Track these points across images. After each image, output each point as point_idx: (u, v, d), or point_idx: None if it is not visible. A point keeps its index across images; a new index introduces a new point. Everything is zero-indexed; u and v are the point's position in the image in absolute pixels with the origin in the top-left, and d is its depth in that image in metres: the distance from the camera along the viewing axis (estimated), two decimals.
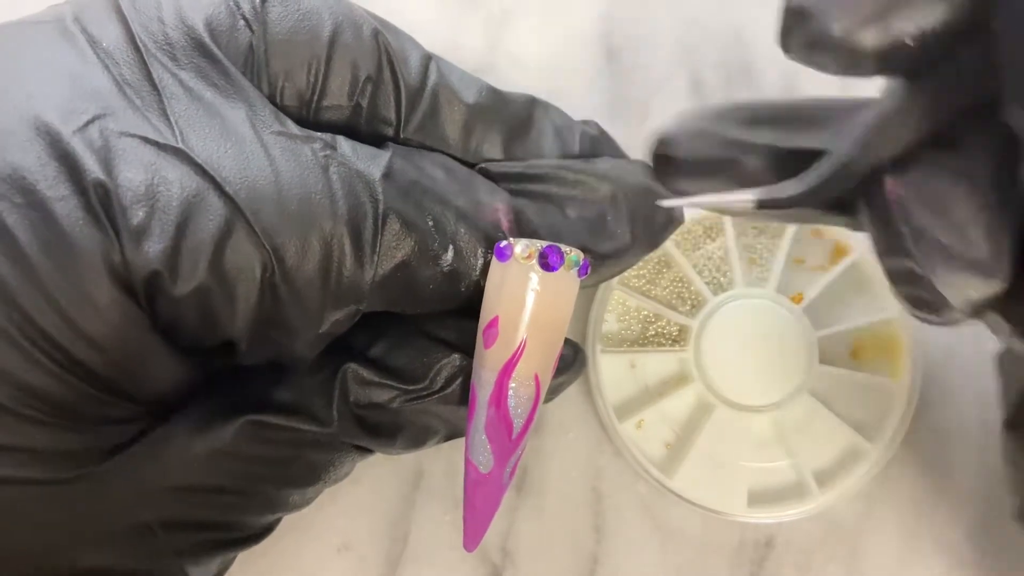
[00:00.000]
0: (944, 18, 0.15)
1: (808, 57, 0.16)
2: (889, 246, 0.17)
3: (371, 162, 0.20)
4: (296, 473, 0.21)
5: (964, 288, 0.16)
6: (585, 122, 0.26)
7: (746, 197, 0.18)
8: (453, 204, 0.21)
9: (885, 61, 0.16)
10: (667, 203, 0.19)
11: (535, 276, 0.20)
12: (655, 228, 0.24)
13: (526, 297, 0.20)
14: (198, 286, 0.18)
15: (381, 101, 0.21)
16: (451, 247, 0.20)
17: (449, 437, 0.23)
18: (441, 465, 0.30)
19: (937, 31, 0.15)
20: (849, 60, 0.16)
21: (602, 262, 0.23)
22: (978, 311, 0.17)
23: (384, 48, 0.21)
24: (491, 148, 0.23)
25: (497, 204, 0.21)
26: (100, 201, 0.17)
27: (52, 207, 0.17)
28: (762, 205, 0.18)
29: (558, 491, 0.30)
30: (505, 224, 0.21)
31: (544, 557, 0.30)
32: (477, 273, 0.21)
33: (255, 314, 0.19)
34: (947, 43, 0.15)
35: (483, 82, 0.23)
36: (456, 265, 0.20)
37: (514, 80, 0.30)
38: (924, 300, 0.17)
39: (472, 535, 0.22)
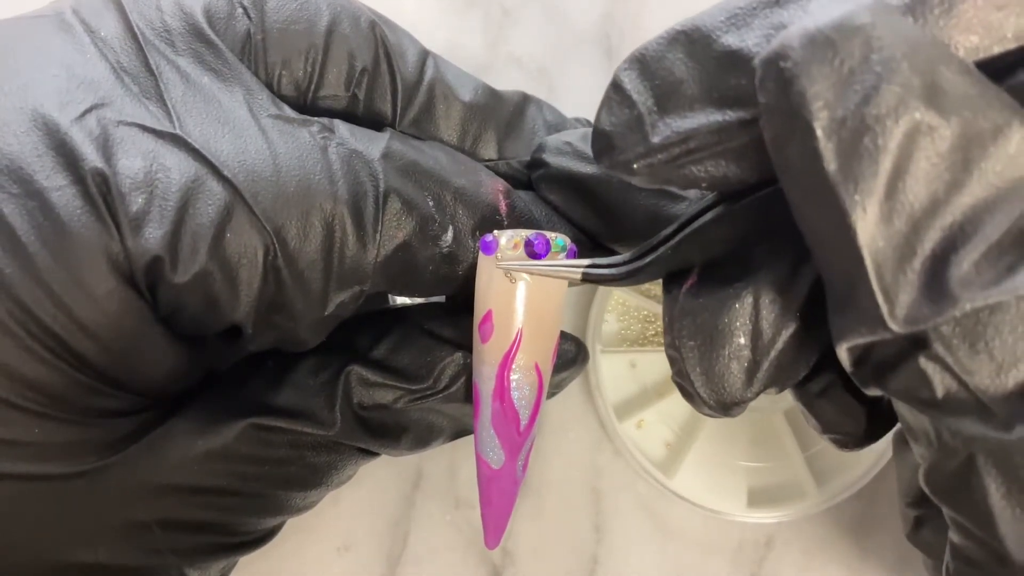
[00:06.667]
0: (733, 172, 0.16)
1: (621, 175, 0.17)
2: (666, 337, 0.18)
3: (370, 143, 0.20)
4: (297, 476, 0.21)
5: (713, 391, 0.18)
6: (577, 119, 0.26)
7: (575, 270, 0.20)
8: (453, 185, 0.21)
9: (687, 188, 0.17)
10: (500, 266, 0.20)
11: (518, 265, 0.20)
12: None
13: (517, 287, 0.20)
14: (199, 271, 0.18)
15: (377, 93, 0.21)
16: (450, 228, 0.20)
17: (455, 435, 0.23)
18: (441, 466, 0.30)
19: (729, 180, 0.16)
20: (655, 185, 0.17)
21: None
22: (729, 410, 0.18)
23: (381, 40, 0.21)
24: (486, 146, 0.23)
25: (497, 185, 0.21)
26: (99, 190, 0.17)
27: (49, 196, 0.17)
28: (587, 278, 0.20)
29: (558, 491, 0.30)
30: (503, 206, 0.21)
31: (544, 557, 0.30)
32: (473, 256, 0.21)
33: (258, 299, 0.19)
34: (742, 186, 0.16)
35: (479, 80, 0.23)
36: (454, 248, 0.20)
37: (514, 80, 0.30)
38: (686, 391, 0.18)
39: (492, 532, 0.22)
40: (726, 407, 0.18)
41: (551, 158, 0.22)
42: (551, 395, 0.23)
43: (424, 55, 0.22)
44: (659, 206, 0.21)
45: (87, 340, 0.18)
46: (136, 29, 0.19)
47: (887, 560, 0.29)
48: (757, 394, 0.18)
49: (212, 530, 0.21)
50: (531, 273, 0.20)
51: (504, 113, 0.23)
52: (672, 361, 0.18)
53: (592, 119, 0.26)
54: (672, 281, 0.18)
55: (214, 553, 0.21)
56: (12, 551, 0.19)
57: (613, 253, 0.23)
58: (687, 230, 0.18)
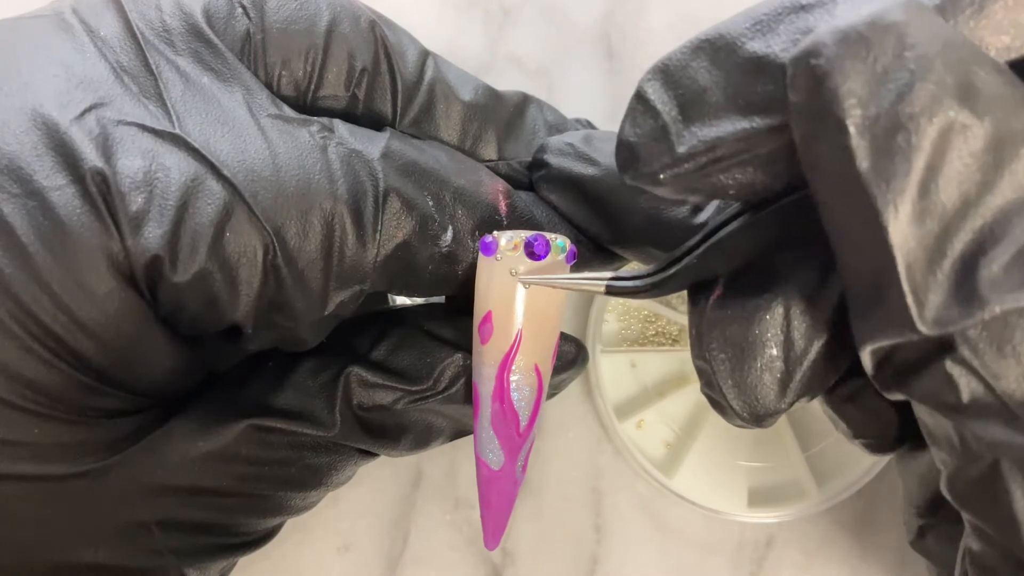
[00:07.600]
0: (760, 179, 0.16)
1: (646, 187, 0.17)
2: (695, 349, 0.18)
3: (369, 142, 0.20)
4: (297, 476, 0.21)
5: (745, 403, 0.17)
6: (578, 119, 0.26)
7: (598, 282, 0.19)
8: (452, 184, 0.21)
9: (713, 198, 0.17)
10: (522, 280, 0.20)
11: (523, 267, 0.20)
12: None
13: (517, 289, 0.20)
14: (199, 271, 0.18)
15: (377, 93, 0.21)
16: (450, 227, 0.20)
17: (455, 436, 0.23)
18: (441, 466, 0.30)
19: (756, 188, 0.16)
20: (681, 196, 0.17)
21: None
22: (763, 421, 0.18)
23: (381, 40, 0.21)
24: (486, 146, 0.23)
25: (498, 186, 0.21)
26: (98, 189, 0.17)
27: (49, 196, 0.17)
28: (610, 291, 0.19)
29: (558, 491, 0.30)
30: (503, 207, 0.21)
31: (544, 557, 0.30)
32: (473, 256, 0.21)
33: (258, 298, 0.19)
34: (768, 194, 0.16)
35: (479, 80, 0.23)
36: (454, 247, 0.20)
37: (514, 80, 0.30)
38: (717, 403, 0.18)
39: (492, 533, 0.22)
40: (759, 419, 0.18)
41: (552, 159, 0.22)
42: (551, 396, 0.23)
43: (424, 55, 0.22)
44: (659, 209, 0.21)
45: (87, 340, 0.18)
46: (135, 29, 0.19)
47: (887, 560, 0.29)
48: (791, 404, 0.17)
49: (212, 531, 0.21)
50: (554, 287, 0.20)
51: (504, 113, 0.23)
52: (701, 373, 0.18)
53: (592, 119, 0.26)
54: (698, 292, 0.18)
55: (214, 553, 0.21)
56: (12, 551, 0.19)
57: (613, 255, 0.23)
58: (712, 240, 0.18)
